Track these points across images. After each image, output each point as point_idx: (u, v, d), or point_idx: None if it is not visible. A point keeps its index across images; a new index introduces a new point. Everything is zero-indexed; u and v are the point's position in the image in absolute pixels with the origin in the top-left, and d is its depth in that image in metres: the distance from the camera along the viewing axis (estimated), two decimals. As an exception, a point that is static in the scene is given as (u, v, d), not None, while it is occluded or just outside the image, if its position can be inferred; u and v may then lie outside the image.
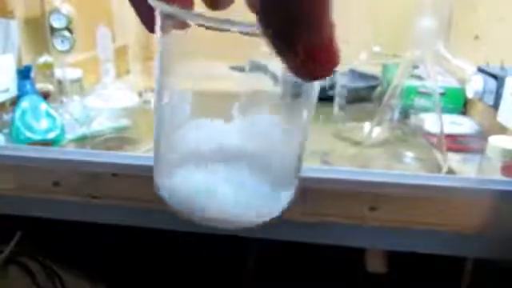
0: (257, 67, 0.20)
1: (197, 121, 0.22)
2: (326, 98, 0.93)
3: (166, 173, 0.23)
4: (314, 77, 0.15)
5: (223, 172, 0.22)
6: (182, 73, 0.21)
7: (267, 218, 0.23)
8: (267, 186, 0.22)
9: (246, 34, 0.17)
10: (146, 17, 0.21)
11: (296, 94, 0.21)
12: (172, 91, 0.22)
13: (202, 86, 0.22)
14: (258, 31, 0.15)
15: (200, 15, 0.18)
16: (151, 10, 0.20)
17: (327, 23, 0.14)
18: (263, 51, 0.16)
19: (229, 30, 0.17)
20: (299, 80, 0.16)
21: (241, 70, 0.21)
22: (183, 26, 0.19)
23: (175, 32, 0.20)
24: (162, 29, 0.20)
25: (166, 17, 0.20)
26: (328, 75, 0.15)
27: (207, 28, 0.17)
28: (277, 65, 0.18)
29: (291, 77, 0.15)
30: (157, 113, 0.22)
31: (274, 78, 0.20)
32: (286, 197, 0.23)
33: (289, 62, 0.15)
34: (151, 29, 0.21)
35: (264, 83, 0.20)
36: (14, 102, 0.78)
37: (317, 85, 0.21)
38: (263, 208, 0.22)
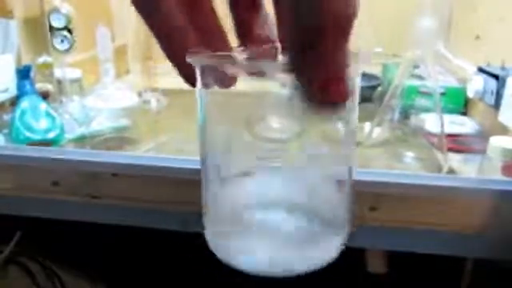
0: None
1: (241, 178, 0.22)
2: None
3: (216, 233, 0.23)
4: (325, 103, 0.16)
5: (272, 227, 0.22)
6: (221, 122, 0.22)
7: (319, 266, 0.23)
8: (317, 235, 0.22)
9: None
10: (186, 71, 0.21)
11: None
12: (214, 149, 0.22)
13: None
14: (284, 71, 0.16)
15: (236, 63, 0.19)
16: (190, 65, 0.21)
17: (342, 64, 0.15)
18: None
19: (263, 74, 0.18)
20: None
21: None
22: (223, 81, 0.21)
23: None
24: (203, 84, 0.21)
25: (206, 71, 0.21)
26: (338, 104, 0.16)
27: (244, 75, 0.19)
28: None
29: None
30: (202, 170, 0.22)
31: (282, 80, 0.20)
32: (337, 243, 0.23)
33: (305, 92, 0.16)
34: (192, 83, 0.22)
35: (271, 85, 0.21)
36: (14, 102, 0.78)
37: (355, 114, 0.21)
38: (315, 258, 0.23)
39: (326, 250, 0.23)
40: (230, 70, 0.20)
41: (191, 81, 0.22)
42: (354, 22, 0.15)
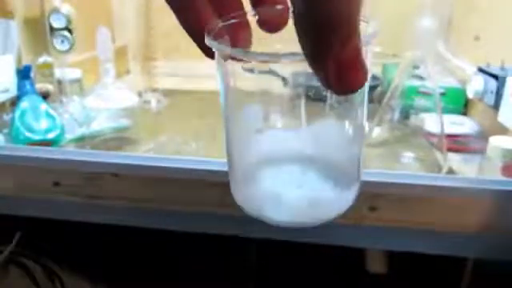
0: (266, 69, 0.21)
1: (265, 130, 0.23)
2: (326, 98, 0.93)
3: (240, 180, 0.24)
4: (344, 91, 0.17)
5: (292, 177, 0.23)
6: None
7: (336, 216, 0.24)
8: (334, 186, 0.23)
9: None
10: (205, 46, 0.21)
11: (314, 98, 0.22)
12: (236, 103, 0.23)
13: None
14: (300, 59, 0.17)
15: (252, 53, 0.20)
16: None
17: (355, 44, 0.16)
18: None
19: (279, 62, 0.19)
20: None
21: (250, 71, 0.21)
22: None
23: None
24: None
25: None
26: (356, 90, 0.17)
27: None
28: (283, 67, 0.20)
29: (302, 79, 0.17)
30: (226, 123, 0.24)
31: (283, 79, 0.21)
32: (352, 194, 0.24)
33: (322, 80, 0.17)
34: (211, 56, 0.22)
35: (273, 84, 0.21)
36: (14, 102, 0.78)
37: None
38: (332, 207, 0.24)
39: (341, 200, 0.24)
40: (244, 58, 0.20)
41: (210, 55, 0.22)
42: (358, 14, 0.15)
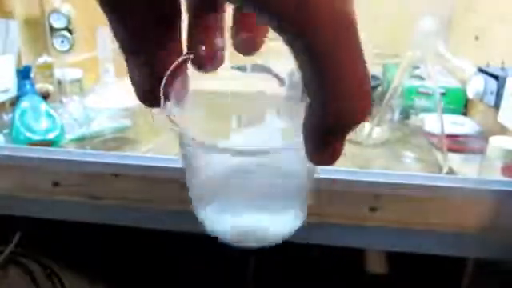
0: (260, 68, 0.20)
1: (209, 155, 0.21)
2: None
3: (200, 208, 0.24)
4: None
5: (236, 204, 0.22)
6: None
7: (278, 238, 0.24)
8: (270, 213, 0.23)
9: None
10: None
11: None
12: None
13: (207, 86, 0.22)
14: None
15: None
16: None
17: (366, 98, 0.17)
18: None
19: None
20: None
21: (242, 69, 0.21)
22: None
23: None
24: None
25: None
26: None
27: None
28: (282, 67, 0.19)
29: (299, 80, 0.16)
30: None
31: (279, 79, 0.20)
32: (302, 215, 0.24)
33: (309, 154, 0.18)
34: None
35: (268, 84, 0.20)
36: (14, 102, 0.78)
37: None
38: (284, 229, 0.23)
39: (294, 222, 0.23)
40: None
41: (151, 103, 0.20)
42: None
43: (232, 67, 0.21)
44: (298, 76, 0.17)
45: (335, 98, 0.16)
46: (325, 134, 0.17)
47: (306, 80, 0.16)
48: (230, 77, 0.22)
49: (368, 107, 0.17)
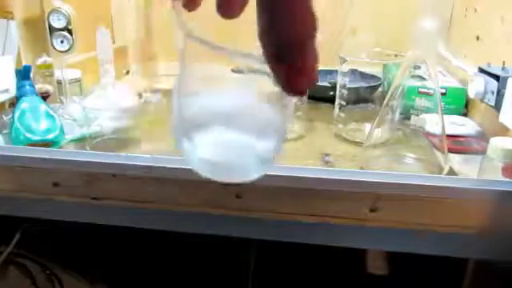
0: (255, 70, 0.22)
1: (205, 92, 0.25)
2: (326, 98, 0.93)
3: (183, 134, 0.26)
4: (293, 93, 0.21)
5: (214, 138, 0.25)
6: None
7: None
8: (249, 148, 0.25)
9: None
10: None
11: None
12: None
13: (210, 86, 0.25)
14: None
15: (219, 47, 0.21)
16: None
17: (312, 55, 0.19)
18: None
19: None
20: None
21: (241, 72, 0.22)
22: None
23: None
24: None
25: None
26: (303, 93, 0.21)
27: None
28: None
29: None
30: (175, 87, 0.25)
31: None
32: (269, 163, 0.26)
33: (277, 80, 0.20)
34: None
35: (264, 83, 0.22)
36: (14, 102, 0.78)
37: None
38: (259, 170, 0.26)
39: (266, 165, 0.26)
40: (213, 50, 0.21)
41: None
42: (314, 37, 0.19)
43: (232, 70, 0.23)
44: None
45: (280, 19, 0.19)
46: (278, 52, 0.19)
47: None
48: (230, 78, 0.24)
49: (308, 30, 0.19)
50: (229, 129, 0.25)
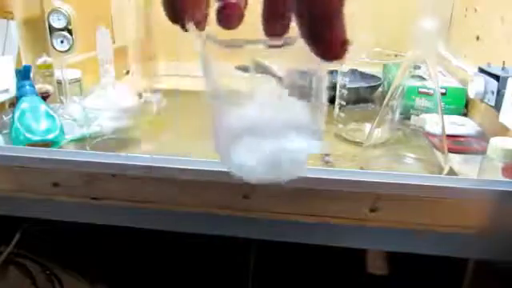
0: (261, 68, 0.22)
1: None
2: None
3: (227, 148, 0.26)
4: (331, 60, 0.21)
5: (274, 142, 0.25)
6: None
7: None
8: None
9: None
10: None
11: (302, 95, 0.24)
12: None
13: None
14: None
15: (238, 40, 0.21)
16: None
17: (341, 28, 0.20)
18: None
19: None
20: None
21: (245, 69, 0.22)
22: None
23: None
24: None
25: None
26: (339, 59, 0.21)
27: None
28: (279, 67, 0.22)
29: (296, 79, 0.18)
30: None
31: (278, 78, 0.21)
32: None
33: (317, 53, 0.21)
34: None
35: (269, 82, 0.22)
36: (14, 102, 0.78)
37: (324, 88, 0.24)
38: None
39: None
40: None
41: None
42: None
43: (236, 67, 0.22)
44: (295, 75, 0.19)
45: None
46: (313, 23, 0.20)
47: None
48: (234, 76, 0.24)
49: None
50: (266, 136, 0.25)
